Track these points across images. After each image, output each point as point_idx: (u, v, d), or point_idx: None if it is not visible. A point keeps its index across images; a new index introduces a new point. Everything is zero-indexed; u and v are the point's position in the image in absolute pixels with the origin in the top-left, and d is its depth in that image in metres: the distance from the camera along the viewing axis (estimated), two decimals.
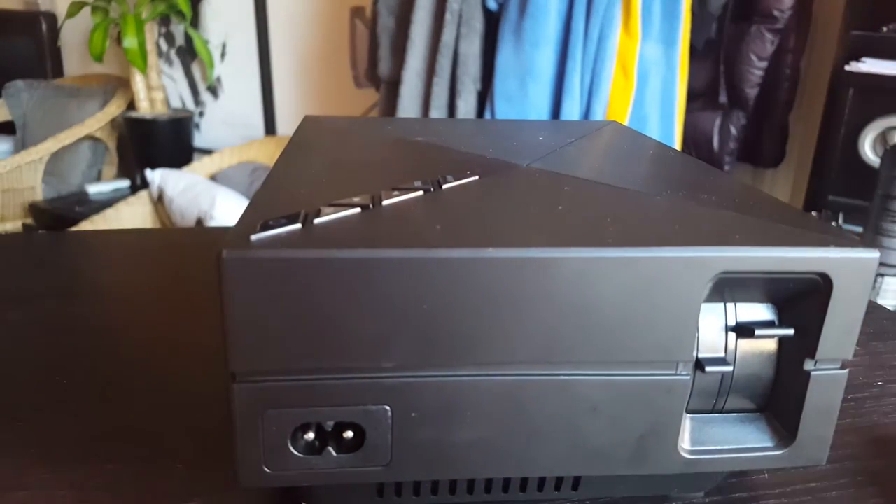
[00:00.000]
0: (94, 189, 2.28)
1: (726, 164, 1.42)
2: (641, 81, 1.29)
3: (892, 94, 1.13)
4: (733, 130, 1.40)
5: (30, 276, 0.44)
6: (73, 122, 2.25)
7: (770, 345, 0.21)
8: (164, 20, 2.36)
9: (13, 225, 2.17)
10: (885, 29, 1.20)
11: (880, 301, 0.98)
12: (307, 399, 0.19)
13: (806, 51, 1.42)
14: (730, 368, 0.20)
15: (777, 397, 0.21)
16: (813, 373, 0.20)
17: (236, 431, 0.19)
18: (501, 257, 0.18)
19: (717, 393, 0.21)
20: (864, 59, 1.17)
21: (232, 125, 2.38)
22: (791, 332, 0.20)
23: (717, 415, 0.21)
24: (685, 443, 0.21)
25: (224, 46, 2.31)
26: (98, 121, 2.26)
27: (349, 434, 0.19)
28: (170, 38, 2.42)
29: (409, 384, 0.19)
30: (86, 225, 1.94)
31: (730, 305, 0.21)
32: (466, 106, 1.39)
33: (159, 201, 1.99)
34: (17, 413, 0.28)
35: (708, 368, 0.20)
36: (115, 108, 2.31)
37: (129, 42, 2.08)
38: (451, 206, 0.21)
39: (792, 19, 1.32)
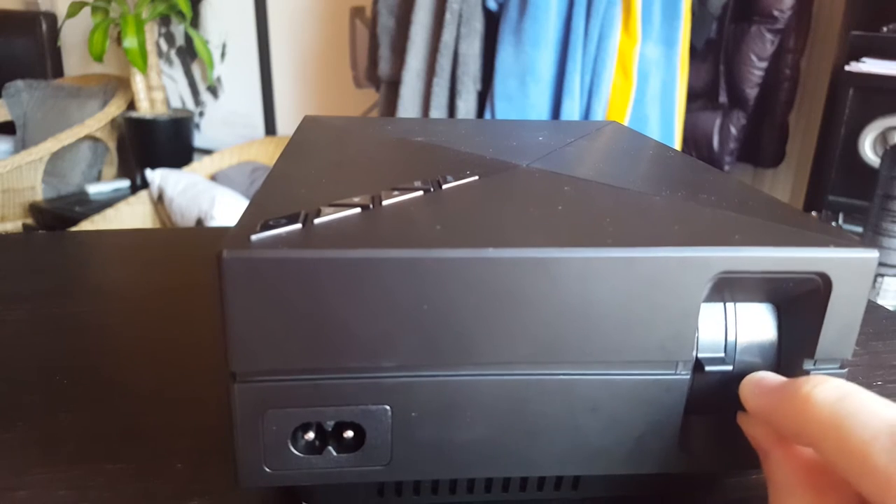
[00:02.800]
0: (94, 189, 2.28)
1: (726, 164, 1.42)
2: (641, 81, 1.29)
3: (892, 94, 1.14)
4: (733, 130, 1.40)
5: (30, 276, 0.44)
6: (73, 122, 2.25)
7: (769, 344, 0.21)
8: (164, 20, 2.36)
9: (13, 225, 2.17)
10: (885, 29, 1.20)
11: (880, 301, 0.98)
12: (307, 399, 0.19)
13: (806, 51, 1.42)
14: (729, 368, 0.20)
15: None
16: (812, 372, 0.20)
17: (236, 431, 0.19)
18: (501, 257, 0.18)
19: (716, 393, 0.21)
20: (864, 59, 1.17)
21: (232, 125, 2.38)
22: (790, 331, 0.20)
23: (716, 415, 0.21)
24: (684, 442, 0.21)
25: (224, 46, 2.31)
26: (98, 121, 2.26)
27: (349, 434, 0.19)
28: (170, 38, 2.42)
29: (409, 384, 0.19)
30: (86, 225, 1.94)
31: (729, 305, 0.21)
32: (466, 106, 1.39)
33: (159, 201, 1.99)
34: (17, 413, 0.28)
35: (707, 368, 0.20)
36: (115, 108, 2.31)
37: (129, 42, 2.08)
38: (451, 207, 0.21)
39: (792, 19, 1.32)
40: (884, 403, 0.16)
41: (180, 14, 2.13)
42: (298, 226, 0.18)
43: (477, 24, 1.36)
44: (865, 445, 0.15)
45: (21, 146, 2.36)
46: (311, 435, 0.19)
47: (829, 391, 0.17)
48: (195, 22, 2.30)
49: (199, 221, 1.80)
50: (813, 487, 0.17)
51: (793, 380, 0.18)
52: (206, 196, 1.83)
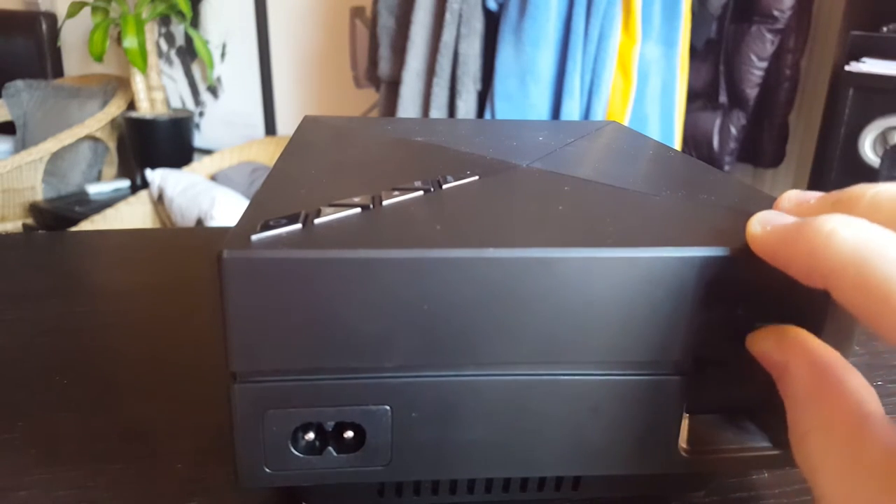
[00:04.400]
0: (94, 189, 2.28)
1: (726, 164, 1.42)
2: (641, 81, 1.29)
3: (892, 94, 1.14)
4: (733, 130, 1.40)
5: (30, 276, 0.44)
6: (74, 122, 2.25)
7: None
8: (164, 20, 2.36)
9: (13, 225, 2.17)
10: (885, 29, 1.20)
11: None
12: (308, 399, 0.19)
13: (806, 51, 1.42)
14: (729, 368, 0.20)
15: (777, 397, 0.21)
16: None
17: (236, 431, 0.19)
18: (501, 257, 0.18)
19: (716, 393, 0.21)
20: (864, 59, 1.17)
21: (232, 125, 2.38)
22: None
23: (716, 415, 0.21)
24: (685, 443, 0.21)
25: (224, 46, 2.31)
26: (98, 121, 2.26)
27: (349, 434, 0.19)
28: (170, 38, 2.42)
29: (410, 384, 0.19)
30: (86, 225, 1.94)
31: (729, 305, 0.21)
32: (466, 106, 1.39)
33: (159, 201, 2.00)
34: (18, 413, 0.28)
35: (708, 368, 0.20)
36: (115, 108, 2.31)
37: (129, 42, 2.08)
38: (451, 206, 0.21)
39: (792, 19, 1.32)
40: None
41: (180, 14, 2.13)
42: (298, 226, 0.18)
43: (477, 24, 1.36)
44: (888, 283, 0.14)
45: (21, 146, 2.36)
46: (311, 435, 0.19)
47: (856, 229, 0.16)
48: (195, 22, 2.30)
49: (199, 221, 1.80)
50: (833, 398, 0.16)
51: (811, 218, 0.17)
52: (206, 196, 1.83)
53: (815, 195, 0.19)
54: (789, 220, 0.18)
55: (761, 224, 0.18)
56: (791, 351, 0.18)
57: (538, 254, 0.18)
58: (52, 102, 2.37)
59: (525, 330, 0.18)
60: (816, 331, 0.20)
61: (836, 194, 0.18)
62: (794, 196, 0.20)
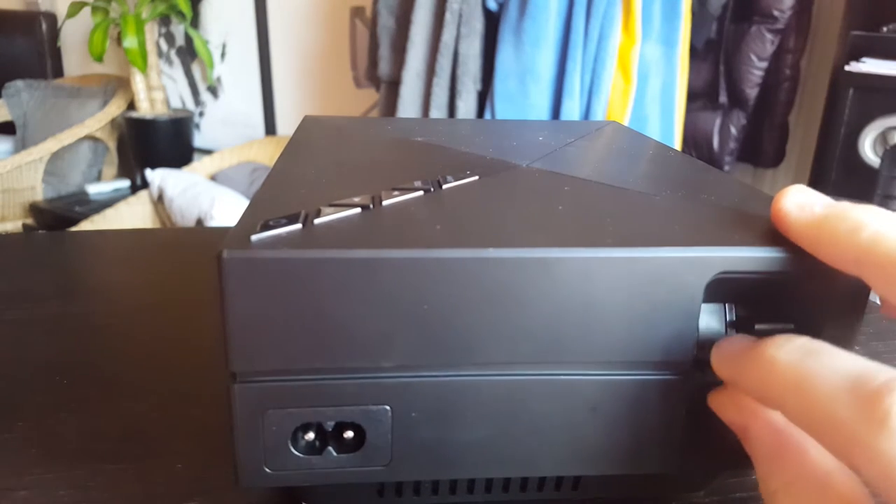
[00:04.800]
0: (94, 189, 2.28)
1: (726, 164, 1.42)
2: (641, 81, 1.29)
3: (892, 94, 1.14)
4: (733, 130, 1.40)
5: (30, 276, 0.44)
6: (73, 122, 2.25)
7: None
8: (164, 20, 2.36)
9: (13, 225, 2.17)
10: (885, 29, 1.20)
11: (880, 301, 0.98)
12: (307, 399, 0.19)
13: (806, 51, 1.42)
14: None
15: None
16: None
17: (236, 431, 0.19)
18: (501, 257, 0.18)
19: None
20: (864, 59, 1.17)
21: (232, 125, 2.38)
22: (791, 327, 0.20)
23: (716, 415, 0.21)
24: (685, 443, 0.21)
25: (224, 46, 2.31)
26: (98, 121, 2.26)
27: (349, 434, 0.19)
28: (170, 38, 2.42)
29: (410, 384, 0.19)
30: (86, 225, 1.94)
31: (729, 305, 0.21)
32: (466, 106, 1.40)
33: (159, 201, 2.00)
34: (18, 413, 0.28)
35: (708, 368, 0.20)
36: (115, 108, 2.31)
37: (129, 42, 2.08)
38: (451, 206, 0.21)
39: (792, 19, 1.32)
40: (847, 358, 0.15)
41: (180, 14, 2.13)
42: (298, 226, 0.18)
43: (477, 24, 1.36)
44: (827, 404, 0.15)
45: (21, 146, 2.36)
46: (311, 435, 0.19)
47: (792, 351, 0.16)
48: (195, 22, 2.30)
49: (199, 221, 1.80)
50: (795, 458, 0.17)
51: (758, 341, 0.18)
52: (206, 196, 1.83)
53: (819, 199, 0.19)
54: (745, 343, 0.18)
55: (720, 348, 0.19)
56: (749, 415, 0.19)
57: (538, 254, 0.18)
58: (52, 102, 2.37)
59: (525, 330, 0.18)
60: (815, 332, 0.20)
61: (839, 218, 0.18)
62: (797, 199, 0.19)
